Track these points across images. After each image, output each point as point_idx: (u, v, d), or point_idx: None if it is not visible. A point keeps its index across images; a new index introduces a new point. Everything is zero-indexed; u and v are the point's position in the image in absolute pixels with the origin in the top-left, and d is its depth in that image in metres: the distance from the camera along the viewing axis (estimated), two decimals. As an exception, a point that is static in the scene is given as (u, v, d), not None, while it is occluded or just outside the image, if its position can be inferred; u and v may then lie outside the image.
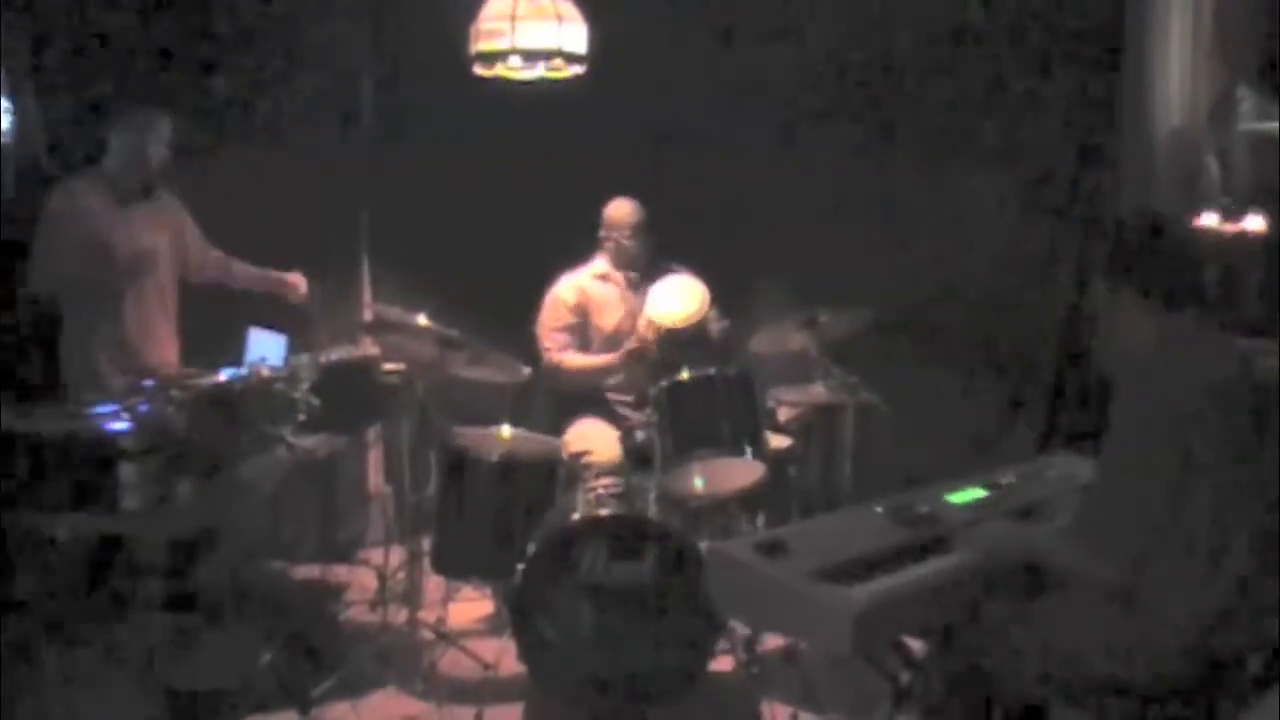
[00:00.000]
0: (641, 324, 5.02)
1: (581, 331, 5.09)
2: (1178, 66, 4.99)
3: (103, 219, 4.58)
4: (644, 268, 5.08)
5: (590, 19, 4.56)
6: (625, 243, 5.09)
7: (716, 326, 5.04)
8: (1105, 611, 2.70)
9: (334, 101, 5.73)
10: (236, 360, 4.35)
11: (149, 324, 4.73)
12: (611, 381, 5.01)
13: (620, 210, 5.10)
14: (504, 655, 4.27)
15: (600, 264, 5.16)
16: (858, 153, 5.57)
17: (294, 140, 5.57)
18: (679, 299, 4.86)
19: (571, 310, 5.08)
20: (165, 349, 4.79)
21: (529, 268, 5.17)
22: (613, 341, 5.08)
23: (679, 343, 4.91)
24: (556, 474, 4.46)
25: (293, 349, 4.52)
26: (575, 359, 5.04)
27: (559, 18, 4.45)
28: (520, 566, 4.05)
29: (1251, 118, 4.99)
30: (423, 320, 4.44)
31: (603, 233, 5.14)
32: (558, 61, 4.53)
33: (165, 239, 4.78)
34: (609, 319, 5.10)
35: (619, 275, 5.13)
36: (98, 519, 3.80)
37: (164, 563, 4.25)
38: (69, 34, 5.37)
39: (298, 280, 5.02)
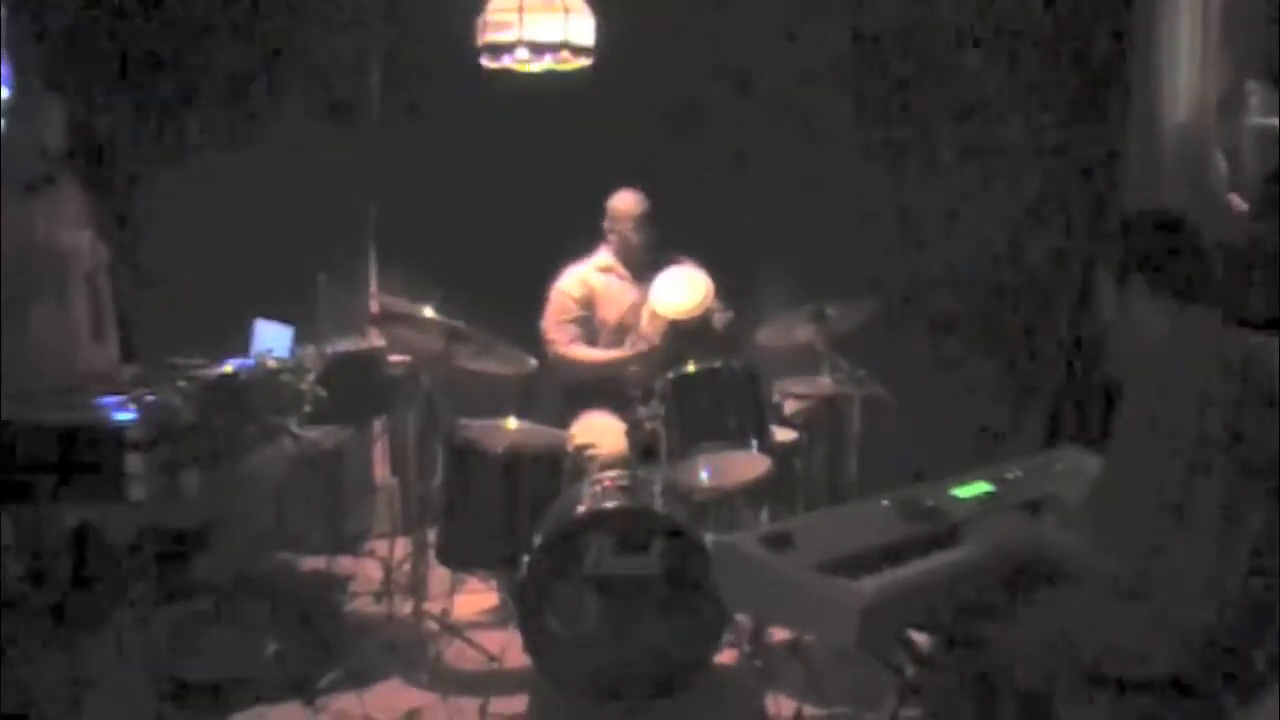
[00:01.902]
0: (645, 315, 5.02)
1: (587, 324, 5.09)
2: (1186, 61, 4.98)
3: (12, 213, 4.24)
4: (648, 259, 5.08)
5: (597, 11, 4.56)
6: (629, 234, 5.09)
7: (720, 317, 5.03)
8: (1112, 605, 2.70)
9: (341, 93, 5.73)
10: (243, 351, 4.35)
11: (79, 325, 4.45)
12: (618, 374, 5.01)
13: (624, 202, 5.10)
14: (509, 647, 4.29)
15: (604, 256, 5.16)
16: (865, 145, 5.57)
17: (301, 132, 5.57)
18: (682, 290, 4.86)
19: (577, 303, 5.08)
20: (98, 354, 4.52)
21: (535, 260, 5.17)
22: (617, 333, 5.08)
23: (683, 333, 4.91)
24: (562, 466, 4.46)
25: (299, 340, 4.51)
26: (583, 352, 5.05)
27: (566, 10, 4.46)
28: (526, 558, 4.05)
29: (1259, 113, 4.98)
30: (429, 312, 4.44)
31: (607, 224, 5.14)
32: (565, 54, 4.53)
33: (83, 234, 4.49)
34: (613, 311, 5.10)
35: (623, 267, 5.13)
36: (104, 509, 3.80)
37: (170, 553, 4.25)
38: (71, 28, 5.37)
39: None
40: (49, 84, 4.97)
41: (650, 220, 5.08)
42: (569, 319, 5.07)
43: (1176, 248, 2.85)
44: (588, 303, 5.10)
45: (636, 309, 5.09)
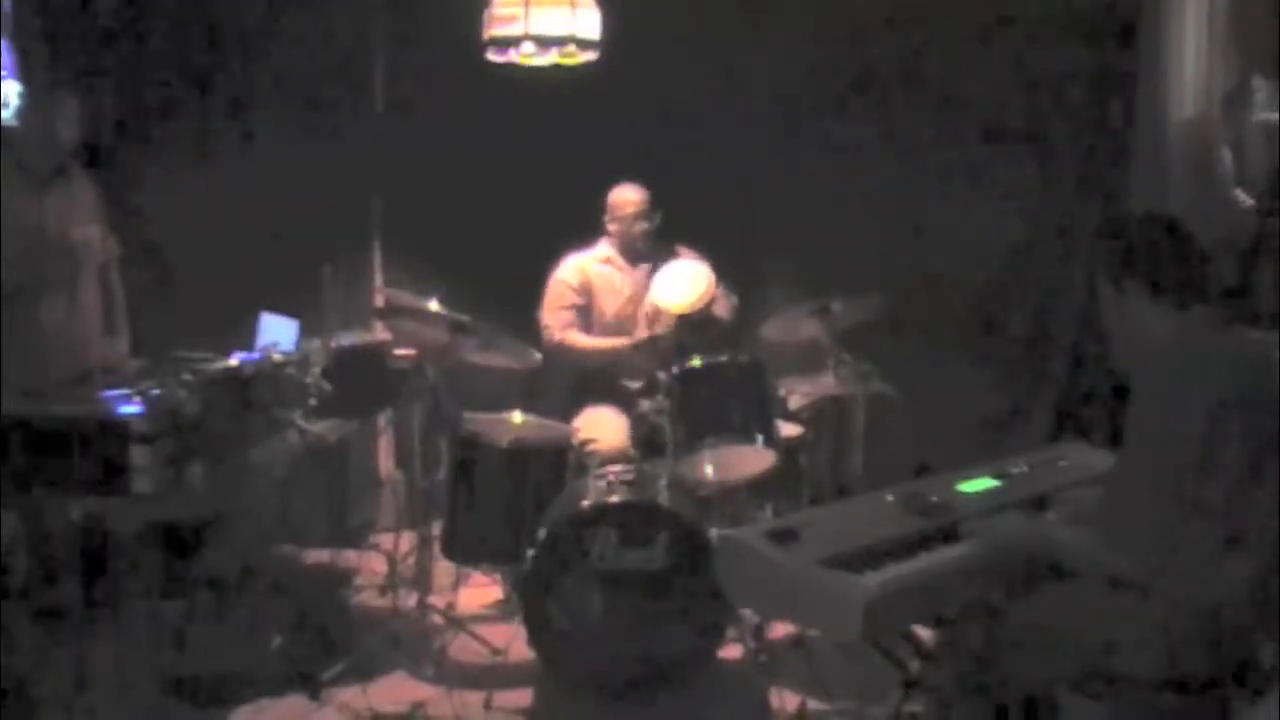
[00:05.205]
0: (647, 310, 5.02)
1: (584, 314, 5.09)
2: (1192, 56, 4.97)
3: (24, 205, 4.29)
4: (647, 252, 5.08)
5: (603, 5, 4.55)
6: (629, 227, 5.08)
7: (724, 303, 5.02)
8: (1118, 602, 2.70)
9: (346, 86, 5.72)
10: (248, 345, 4.35)
11: (90, 317, 4.51)
12: (622, 367, 5.01)
13: (623, 195, 5.09)
14: (514, 641, 4.28)
15: (604, 249, 5.15)
16: (871, 140, 5.56)
17: (306, 126, 5.57)
18: (685, 284, 4.84)
19: (574, 291, 5.07)
20: (109, 347, 4.57)
21: (540, 253, 5.16)
22: (615, 326, 5.07)
23: (690, 326, 4.90)
24: (567, 460, 4.46)
25: (304, 334, 4.52)
26: (582, 339, 5.03)
27: (573, 4, 4.44)
28: (530, 552, 4.06)
29: (1266, 108, 4.98)
30: (434, 305, 4.45)
31: (607, 218, 5.13)
32: (571, 48, 4.52)
33: (94, 226, 4.53)
34: (611, 303, 5.09)
35: (622, 260, 5.13)
36: (109, 502, 3.81)
37: (175, 547, 4.25)
38: (80, 23, 5.37)
39: None
40: (58, 77, 4.98)
41: (650, 213, 5.07)
42: (565, 306, 5.05)
43: (1173, 252, 2.84)
44: (585, 292, 5.08)
45: (635, 302, 5.07)
